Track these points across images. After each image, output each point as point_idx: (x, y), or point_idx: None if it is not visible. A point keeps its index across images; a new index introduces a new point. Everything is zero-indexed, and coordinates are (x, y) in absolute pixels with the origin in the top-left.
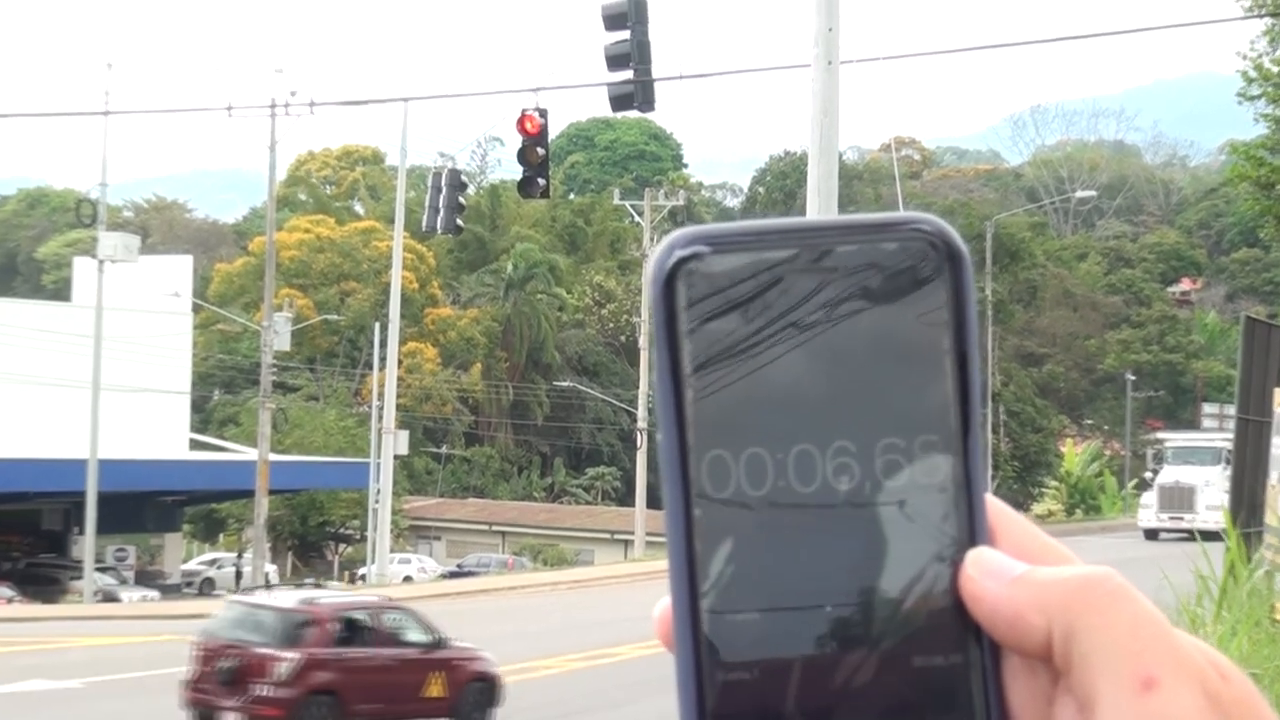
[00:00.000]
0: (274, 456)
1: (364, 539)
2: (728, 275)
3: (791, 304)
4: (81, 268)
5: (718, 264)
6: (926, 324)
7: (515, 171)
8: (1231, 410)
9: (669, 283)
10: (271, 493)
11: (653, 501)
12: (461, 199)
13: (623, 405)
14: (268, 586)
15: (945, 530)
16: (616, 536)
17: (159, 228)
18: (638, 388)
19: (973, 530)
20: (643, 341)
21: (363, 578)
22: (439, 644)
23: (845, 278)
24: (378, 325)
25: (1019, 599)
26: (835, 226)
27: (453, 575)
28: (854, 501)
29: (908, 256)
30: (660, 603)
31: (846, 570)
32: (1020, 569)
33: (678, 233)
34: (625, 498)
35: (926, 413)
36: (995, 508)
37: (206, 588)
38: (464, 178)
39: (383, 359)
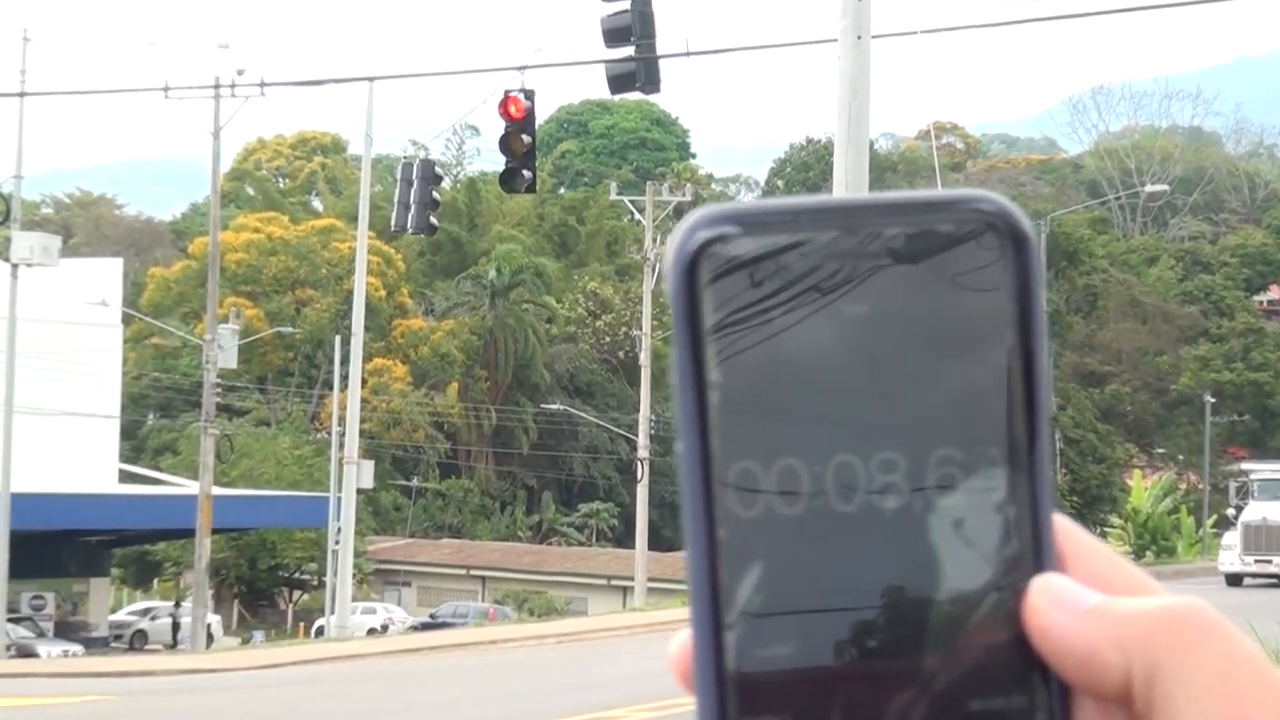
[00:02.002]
0: (217, 490)
1: (322, 585)
2: (758, 260)
3: (831, 294)
4: None
5: (747, 247)
6: (986, 318)
7: (497, 162)
8: None
9: (691, 268)
10: (215, 532)
11: (655, 543)
12: (435, 194)
13: (621, 431)
14: None
15: (1007, 555)
16: (613, 582)
17: (84, 226)
18: (638, 411)
19: (1039, 555)
20: (644, 358)
21: (320, 630)
22: None
23: (892, 264)
24: (338, 339)
25: (1093, 634)
26: (881, 205)
27: (425, 627)
28: (902, 522)
29: (965, 240)
30: (678, 636)
31: (892, 601)
32: (1095, 599)
33: (701, 211)
34: (624, 538)
35: (987, 420)
36: (1065, 529)
37: (139, 641)
38: (438, 169)
39: (344, 378)
